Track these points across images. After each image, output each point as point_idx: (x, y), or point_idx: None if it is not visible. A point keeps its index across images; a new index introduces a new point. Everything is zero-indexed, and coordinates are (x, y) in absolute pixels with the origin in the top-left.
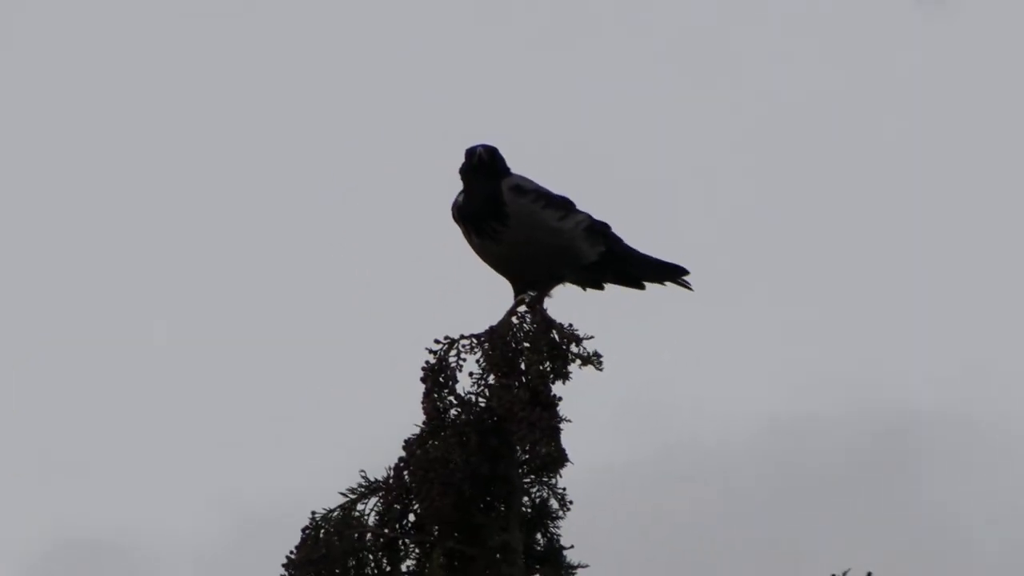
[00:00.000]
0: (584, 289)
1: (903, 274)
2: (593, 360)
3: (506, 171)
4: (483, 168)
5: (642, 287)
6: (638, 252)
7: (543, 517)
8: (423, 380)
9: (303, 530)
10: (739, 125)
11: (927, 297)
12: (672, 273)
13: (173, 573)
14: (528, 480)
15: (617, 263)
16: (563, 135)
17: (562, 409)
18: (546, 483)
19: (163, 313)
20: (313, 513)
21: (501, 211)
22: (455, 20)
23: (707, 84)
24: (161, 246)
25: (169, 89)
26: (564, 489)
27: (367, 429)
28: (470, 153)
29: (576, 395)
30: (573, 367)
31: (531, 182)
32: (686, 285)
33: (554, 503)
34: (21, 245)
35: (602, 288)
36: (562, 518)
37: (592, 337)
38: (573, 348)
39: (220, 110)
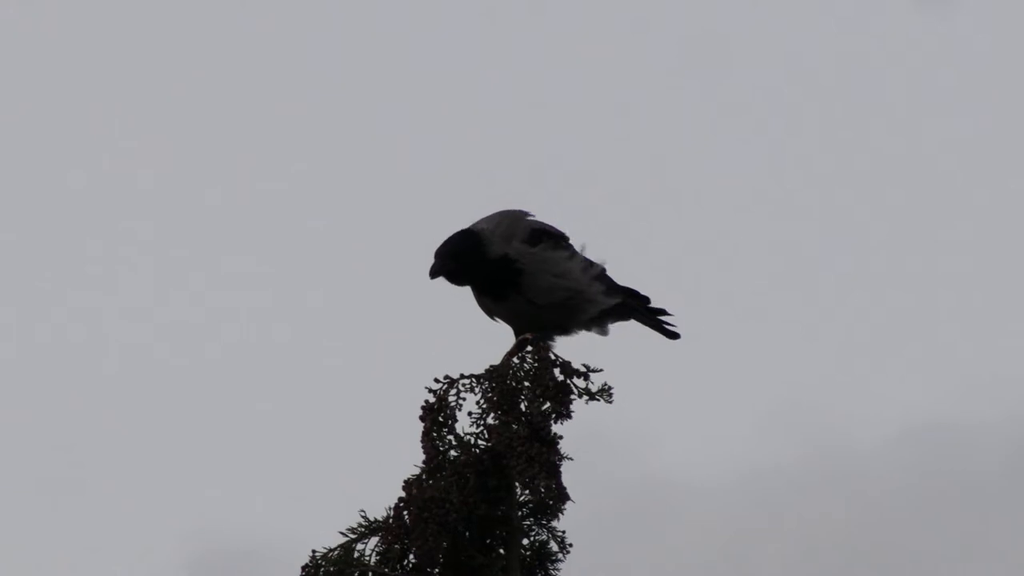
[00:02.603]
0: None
1: None
2: (602, 395)
3: (476, 235)
4: (457, 271)
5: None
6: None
7: (543, 559)
8: (422, 419)
9: (303, 568)
10: (738, 125)
11: None
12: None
13: None
14: (528, 522)
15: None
16: (563, 137)
17: (563, 446)
18: (545, 525)
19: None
20: (313, 552)
21: (513, 269)
22: (454, 20)
23: (706, 84)
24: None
25: (164, 100)
26: (564, 532)
27: (369, 470)
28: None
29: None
30: (579, 403)
31: (526, 223)
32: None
33: (554, 545)
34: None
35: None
36: (562, 560)
37: (600, 370)
38: (578, 383)
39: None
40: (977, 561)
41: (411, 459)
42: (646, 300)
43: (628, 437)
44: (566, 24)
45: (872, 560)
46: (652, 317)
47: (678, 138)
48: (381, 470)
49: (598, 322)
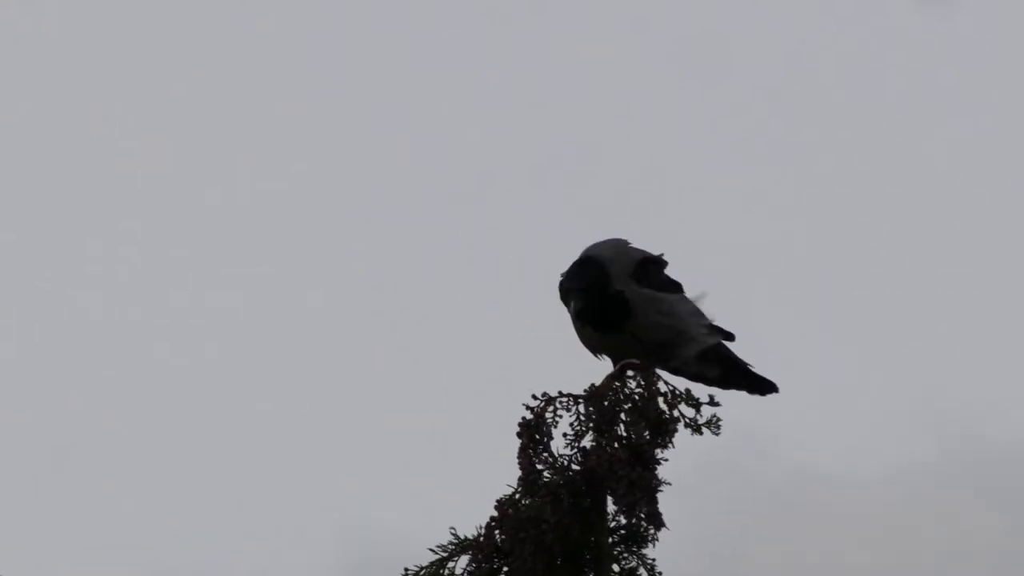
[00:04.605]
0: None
1: None
2: (709, 427)
3: (601, 265)
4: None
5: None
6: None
7: None
8: (519, 435)
9: None
10: (737, 126)
11: None
12: (759, 385)
13: None
14: (619, 549)
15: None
16: (563, 137)
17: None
18: (636, 552)
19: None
20: (406, 570)
21: (624, 308)
22: (454, 20)
23: (706, 84)
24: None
25: (164, 100)
26: (654, 560)
27: (459, 486)
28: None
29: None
30: (683, 432)
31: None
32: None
33: (643, 572)
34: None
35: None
36: None
37: (717, 404)
38: (685, 411)
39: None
40: None
41: (498, 478)
42: (730, 336)
43: (775, 433)
44: (566, 24)
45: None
46: (745, 370)
47: (678, 138)
48: (467, 488)
49: (703, 369)
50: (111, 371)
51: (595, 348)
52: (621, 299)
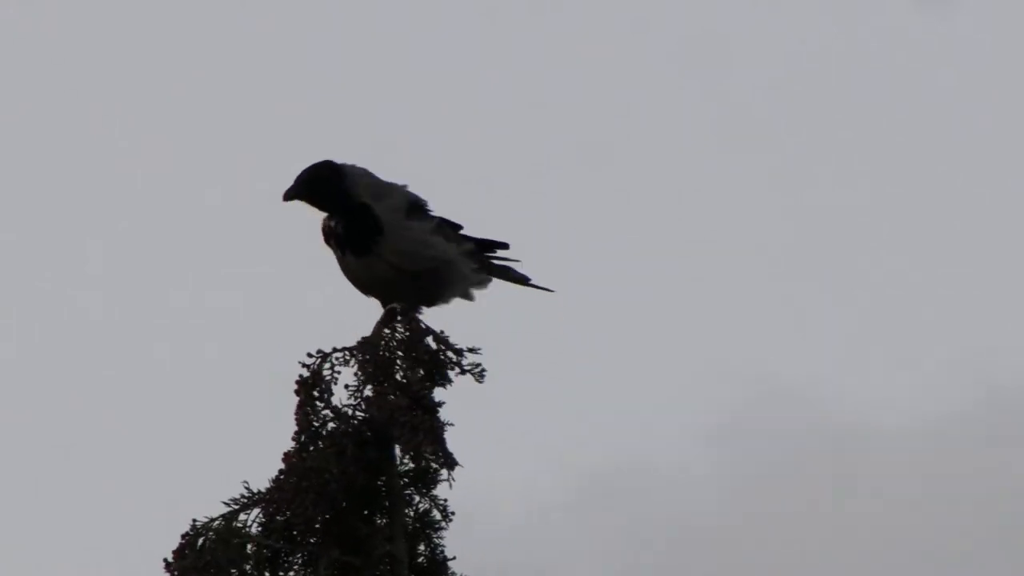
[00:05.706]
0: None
1: None
2: (472, 372)
3: (339, 178)
4: (318, 198)
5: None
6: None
7: (425, 528)
8: (297, 393)
9: (182, 536)
10: (736, 127)
11: None
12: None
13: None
14: (409, 492)
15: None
16: (563, 137)
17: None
18: (427, 494)
19: None
20: (194, 521)
21: (376, 226)
22: (454, 20)
23: (704, 85)
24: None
25: (164, 100)
26: (445, 500)
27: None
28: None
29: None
30: (453, 374)
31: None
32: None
33: (436, 514)
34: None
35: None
36: (444, 528)
37: (477, 351)
38: (450, 356)
39: None
40: None
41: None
42: (504, 246)
43: (804, 385)
44: (566, 24)
45: None
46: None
47: (678, 138)
48: (268, 443)
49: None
50: (111, 371)
51: (361, 284)
52: (368, 212)
